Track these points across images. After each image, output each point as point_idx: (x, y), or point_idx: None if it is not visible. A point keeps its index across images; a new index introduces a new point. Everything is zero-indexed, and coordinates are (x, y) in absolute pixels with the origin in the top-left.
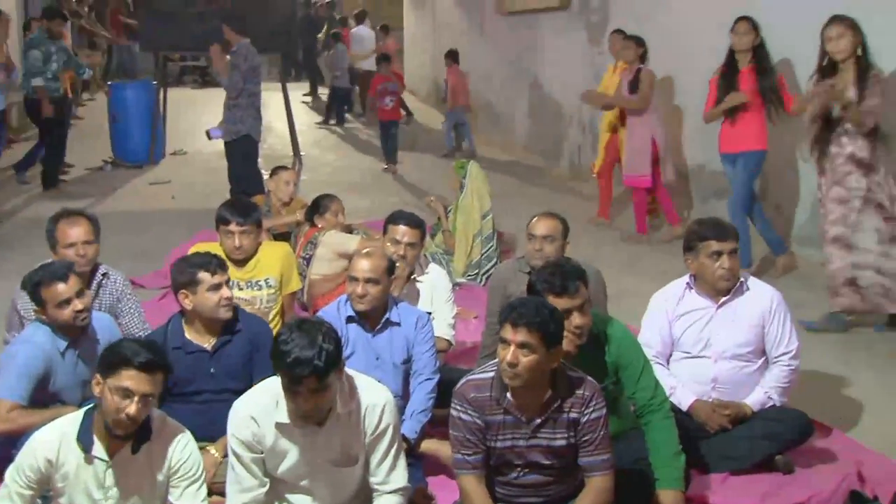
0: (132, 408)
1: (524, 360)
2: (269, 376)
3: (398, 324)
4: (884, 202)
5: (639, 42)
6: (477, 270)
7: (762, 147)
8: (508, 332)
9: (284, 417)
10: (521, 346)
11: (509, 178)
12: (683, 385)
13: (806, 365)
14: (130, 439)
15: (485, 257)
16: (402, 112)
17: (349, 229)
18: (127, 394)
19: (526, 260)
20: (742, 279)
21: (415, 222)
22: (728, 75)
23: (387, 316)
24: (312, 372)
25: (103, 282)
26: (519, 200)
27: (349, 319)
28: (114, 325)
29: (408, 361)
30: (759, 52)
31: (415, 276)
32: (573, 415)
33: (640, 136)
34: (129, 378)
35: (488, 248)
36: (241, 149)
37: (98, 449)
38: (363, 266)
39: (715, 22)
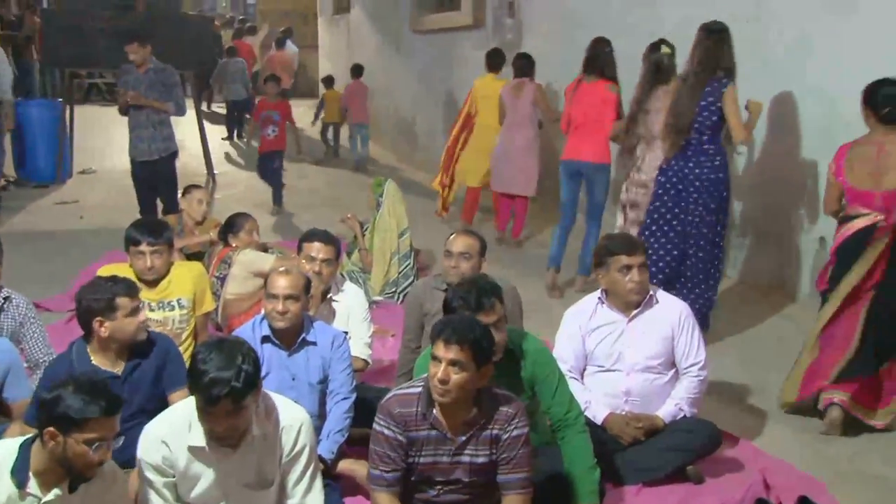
0: (104, 454)
1: (455, 378)
2: (181, 388)
3: (314, 343)
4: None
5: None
6: (394, 289)
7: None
8: (440, 349)
9: (197, 440)
10: (453, 363)
11: (427, 197)
12: (597, 399)
13: (713, 375)
14: (68, 478)
15: (402, 275)
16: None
17: (264, 248)
18: (96, 442)
19: (442, 277)
20: (651, 293)
21: (329, 239)
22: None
23: (303, 335)
24: (230, 393)
25: (5, 306)
26: (436, 218)
27: (264, 339)
28: (12, 350)
29: (324, 381)
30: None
31: (331, 294)
32: (495, 432)
33: (534, 151)
34: (97, 428)
35: (405, 267)
36: (173, 165)
37: (33, 486)
38: (282, 283)
39: (623, 42)
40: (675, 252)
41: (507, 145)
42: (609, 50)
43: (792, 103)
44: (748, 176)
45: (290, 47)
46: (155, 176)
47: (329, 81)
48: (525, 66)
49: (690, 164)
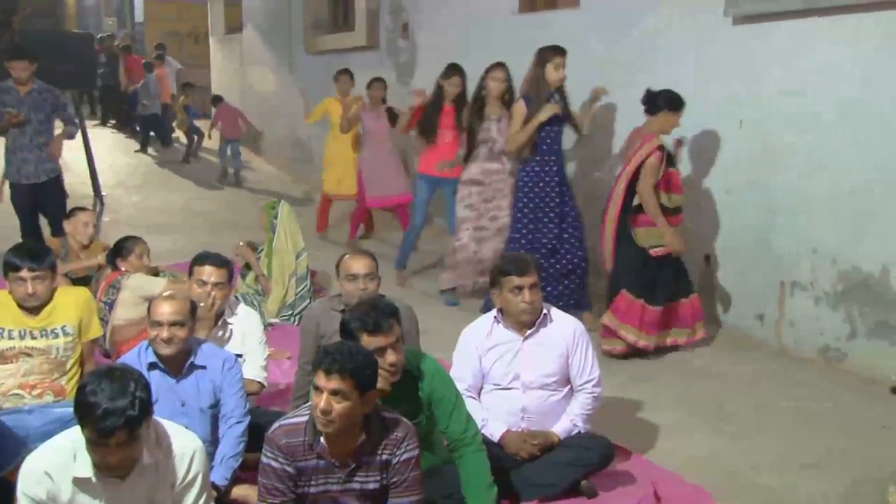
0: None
1: (338, 407)
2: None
3: (203, 367)
4: None
5: (385, 85)
6: (291, 311)
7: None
8: (321, 380)
9: (84, 471)
10: (334, 392)
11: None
12: (494, 416)
13: (606, 391)
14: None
15: (299, 297)
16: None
17: (155, 272)
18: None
19: (343, 299)
20: (545, 311)
21: (222, 262)
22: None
23: (191, 360)
24: (126, 423)
25: None
26: (332, 238)
27: (151, 366)
28: None
29: (215, 406)
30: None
31: (224, 317)
32: (385, 457)
33: (400, 158)
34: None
35: (302, 289)
36: (62, 186)
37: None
38: (166, 309)
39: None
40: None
41: (375, 157)
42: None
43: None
44: None
45: (171, 63)
46: (42, 199)
47: (217, 100)
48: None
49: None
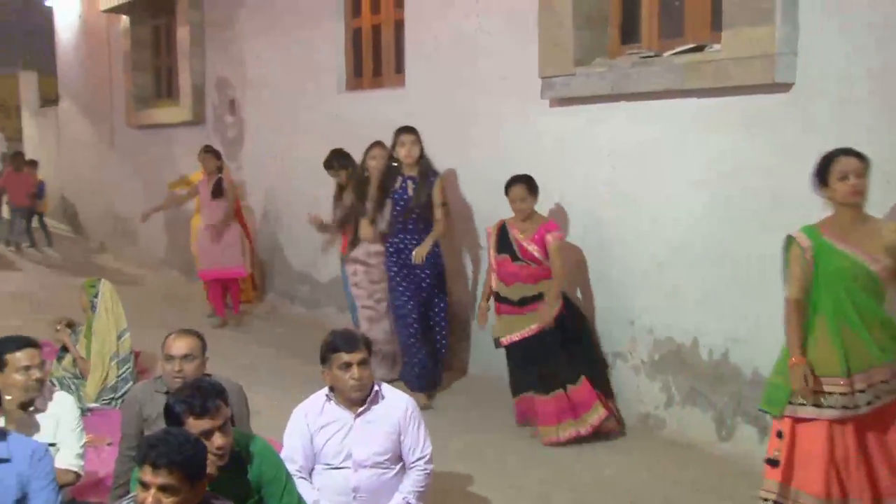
0: None
1: (167, 502)
2: None
3: (8, 459)
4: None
5: (217, 155)
6: (112, 394)
7: None
8: (148, 475)
9: None
10: (163, 489)
11: (146, 294)
12: (326, 497)
13: (438, 467)
14: None
15: (121, 379)
16: None
17: None
18: None
19: (164, 380)
20: (377, 388)
21: (36, 344)
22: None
23: None
24: None
25: None
26: (156, 317)
27: None
28: None
29: (22, 501)
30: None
31: (36, 403)
32: None
33: (236, 232)
34: None
35: (125, 370)
36: None
37: None
38: None
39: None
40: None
41: (212, 235)
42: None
43: None
44: None
45: None
46: None
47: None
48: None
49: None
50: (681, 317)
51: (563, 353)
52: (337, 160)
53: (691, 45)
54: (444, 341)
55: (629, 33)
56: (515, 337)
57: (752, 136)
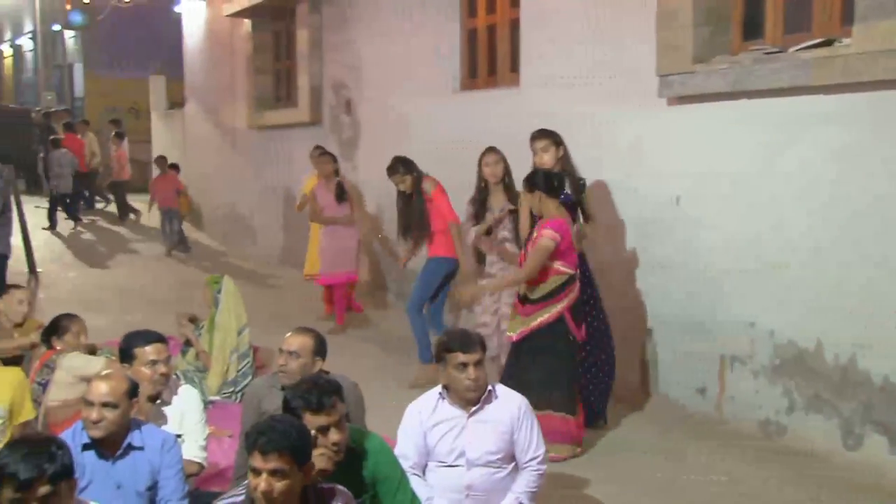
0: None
1: (279, 486)
2: None
3: (141, 448)
4: None
5: (334, 158)
6: (233, 388)
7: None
8: (258, 461)
9: None
10: (274, 473)
11: (264, 291)
12: (439, 494)
13: (550, 468)
14: None
15: (241, 374)
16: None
17: (93, 350)
18: None
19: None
20: (490, 388)
21: (162, 338)
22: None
23: (128, 440)
24: (43, 474)
25: None
26: (274, 314)
27: (85, 447)
28: None
29: (153, 488)
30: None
31: (163, 396)
32: None
33: (356, 236)
34: None
35: (244, 365)
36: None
37: None
38: (100, 389)
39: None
40: None
41: (330, 238)
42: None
43: None
44: None
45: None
46: None
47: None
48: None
49: None
50: (804, 320)
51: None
52: (403, 165)
53: (819, 40)
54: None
55: (752, 29)
56: (513, 336)
57: (881, 135)
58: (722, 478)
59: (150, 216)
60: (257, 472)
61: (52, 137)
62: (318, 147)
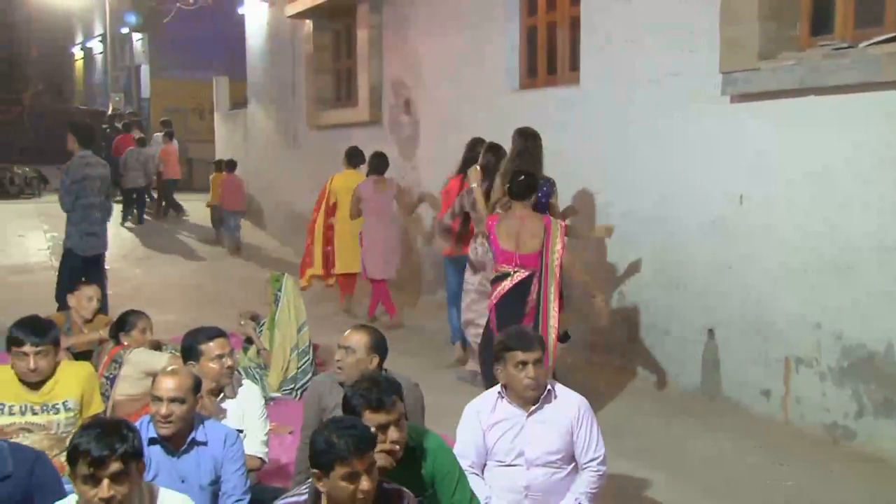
0: None
1: (372, 482)
2: None
3: (205, 443)
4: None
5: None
6: (293, 385)
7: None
8: (357, 465)
9: None
10: (368, 470)
11: (322, 289)
12: (498, 494)
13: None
14: None
15: (301, 371)
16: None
17: (158, 346)
18: None
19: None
20: (550, 387)
21: (223, 333)
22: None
23: (192, 435)
24: (113, 452)
25: None
26: (334, 311)
27: (151, 441)
28: None
29: (216, 482)
30: None
31: (225, 392)
32: None
33: (400, 236)
34: None
35: (304, 362)
36: (66, 262)
37: None
38: (168, 385)
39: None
40: None
41: (375, 237)
42: (479, 150)
43: None
44: None
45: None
46: (90, 270)
47: (219, 166)
48: (380, 163)
49: None
50: (874, 321)
51: None
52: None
53: (891, 35)
54: None
55: (821, 24)
56: None
57: None
58: (787, 482)
59: (197, 214)
60: (355, 477)
61: (138, 136)
62: (376, 152)
